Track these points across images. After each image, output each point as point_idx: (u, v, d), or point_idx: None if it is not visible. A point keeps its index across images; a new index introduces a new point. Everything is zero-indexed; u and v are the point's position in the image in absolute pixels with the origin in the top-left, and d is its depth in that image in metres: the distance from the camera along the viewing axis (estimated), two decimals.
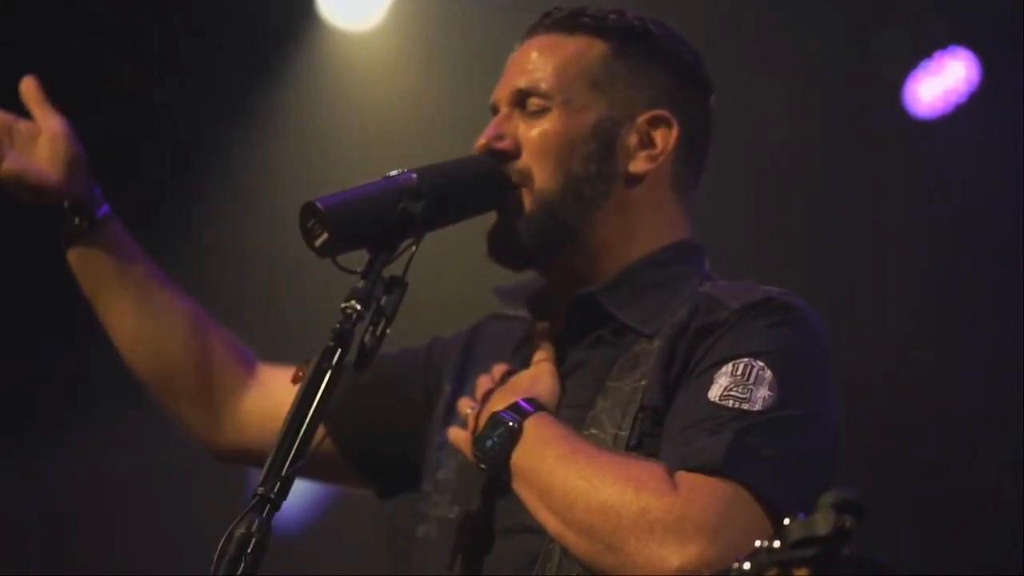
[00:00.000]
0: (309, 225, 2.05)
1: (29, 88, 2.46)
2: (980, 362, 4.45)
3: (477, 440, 2.09)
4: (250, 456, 2.53)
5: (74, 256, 2.48)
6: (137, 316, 2.49)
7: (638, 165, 2.27)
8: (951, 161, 4.54)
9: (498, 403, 2.12)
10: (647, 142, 2.28)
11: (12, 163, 2.38)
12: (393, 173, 2.13)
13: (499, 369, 2.24)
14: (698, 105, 2.35)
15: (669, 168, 2.29)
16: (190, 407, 2.54)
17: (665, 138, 2.28)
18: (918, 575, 4.19)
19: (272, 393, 2.50)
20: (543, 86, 2.26)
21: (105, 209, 2.47)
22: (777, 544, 1.33)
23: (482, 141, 2.26)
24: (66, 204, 2.45)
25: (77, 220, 2.45)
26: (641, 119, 2.27)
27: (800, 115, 4.56)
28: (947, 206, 4.52)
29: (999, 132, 4.45)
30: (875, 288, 4.59)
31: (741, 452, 1.95)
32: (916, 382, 4.48)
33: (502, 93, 2.31)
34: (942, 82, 4.46)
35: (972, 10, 4.41)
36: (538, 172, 2.24)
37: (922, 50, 4.48)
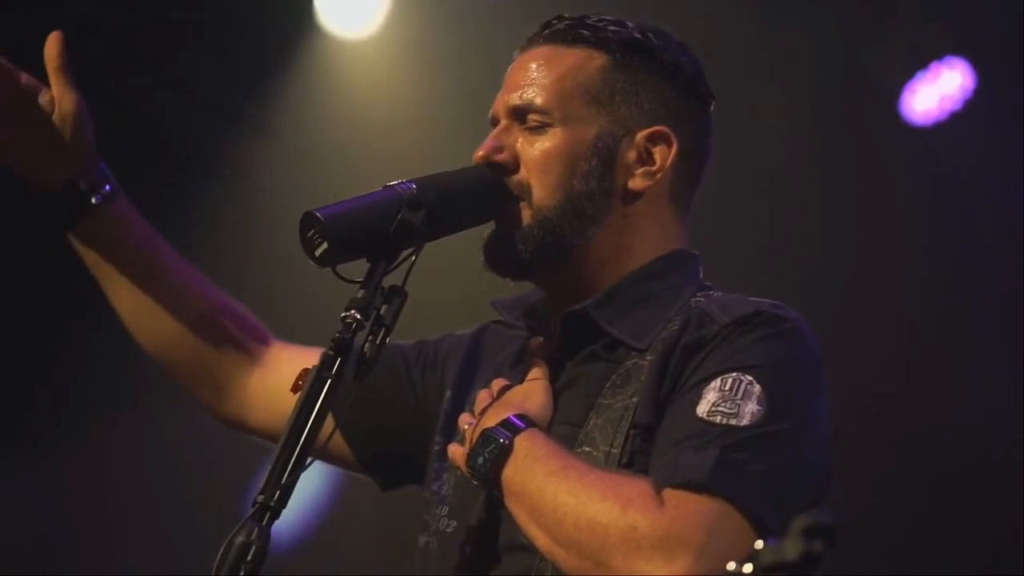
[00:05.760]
0: (309, 235, 2.06)
1: (53, 49, 2.35)
2: (981, 367, 4.46)
3: (469, 456, 2.09)
4: (251, 431, 2.57)
5: (72, 237, 2.46)
6: (137, 294, 2.49)
7: (636, 182, 2.25)
8: (948, 168, 4.55)
9: (490, 420, 2.12)
10: (646, 158, 2.26)
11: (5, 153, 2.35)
12: (393, 183, 2.13)
13: (498, 384, 2.24)
14: (698, 117, 2.33)
15: (667, 183, 2.27)
16: (192, 381, 2.56)
17: (664, 155, 2.26)
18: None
19: (275, 373, 2.51)
20: (541, 101, 2.24)
21: (105, 191, 2.42)
22: (748, 568, 1.33)
23: (480, 153, 2.25)
24: (60, 188, 2.40)
25: (74, 204, 2.41)
26: (640, 135, 2.25)
27: (798, 121, 4.57)
28: (945, 212, 4.54)
29: (996, 139, 4.47)
30: (873, 295, 4.60)
31: (727, 468, 1.96)
32: (915, 389, 4.49)
33: (500, 106, 2.28)
34: (938, 90, 4.48)
35: (969, 19, 4.43)
36: (538, 187, 2.23)
37: (919, 59, 4.50)
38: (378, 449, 2.51)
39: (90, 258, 2.48)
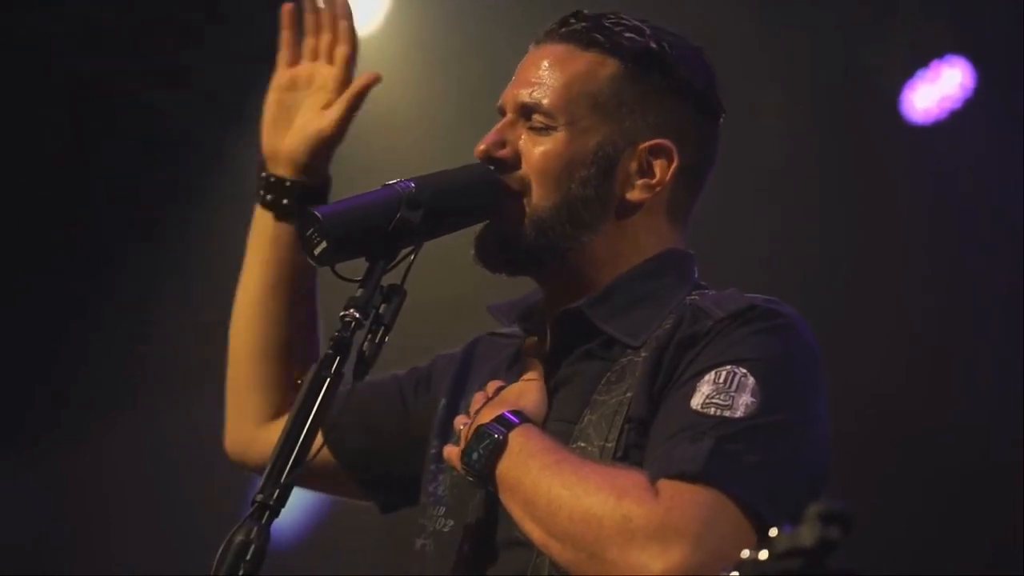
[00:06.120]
0: (308, 234, 2.07)
1: (364, 81, 2.52)
2: (981, 367, 4.46)
3: (464, 453, 2.10)
4: (248, 468, 2.60)
5: (254, 215, 2.56)
6: (256, 297, 2.56)
7: (635, 194, 2.25)
8: (948, 168, 4.55)
9: (485, 416, 2.12)
10: (646, 170, 2.25)
11: (276, 108, 2.53)
12: (392, 182, 2.13)
13: (493, 385, 2.24)
14: (704, 131, 2.31)
15: (666, 194, 2.27)
16: (234, 395, 2.61)
17: (664, 169, 2.25)
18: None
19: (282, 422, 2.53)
20: (547, 103, 2.23)
21: (305, 205, 2.44)
22: (764, 555, 1.32)
23: (482, 147, 2.25)
24: (272, 177, 2.52)
25: (268, 196, 2.52)
26: (643, 147, 2.24)
27: (798, 121, 4.57)
28: (945, 212, 4.54)
29: (996, 139, 4.47)
30: (873, 295, 4.60)
31: (722, 459, 1.96)
32: (915, 389, 4.49)
33: (509, 98, 2.28)
34: (938, 89, 4.48)
35: (969, 19, 4.43)
36: (536, 188, 2.23)
37: (919, 58, 4.50)
38: (375, 469, 2.52)
39: (252, 239, 2.58)
